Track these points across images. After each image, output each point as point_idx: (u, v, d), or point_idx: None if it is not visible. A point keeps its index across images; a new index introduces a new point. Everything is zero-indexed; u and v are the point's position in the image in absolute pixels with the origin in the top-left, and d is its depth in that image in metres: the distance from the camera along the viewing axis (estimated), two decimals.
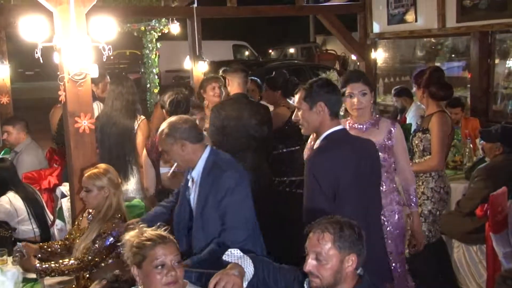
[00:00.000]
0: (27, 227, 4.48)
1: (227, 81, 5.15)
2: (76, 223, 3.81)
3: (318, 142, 3.17)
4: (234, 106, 4.98)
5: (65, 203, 4.77)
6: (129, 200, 4.56)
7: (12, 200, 4.46)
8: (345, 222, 2.48)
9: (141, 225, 2.66)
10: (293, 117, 3.31)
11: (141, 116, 4.92)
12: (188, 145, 3.22)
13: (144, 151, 4.45)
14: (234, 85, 5.07)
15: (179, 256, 2.53)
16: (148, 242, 2.50)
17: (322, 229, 2.44)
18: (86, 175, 3.62)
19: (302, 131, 3.25)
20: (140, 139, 4.81)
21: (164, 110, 4.51)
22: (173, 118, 3.34)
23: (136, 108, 4.90)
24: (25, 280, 3.32)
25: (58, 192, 5.06)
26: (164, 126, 3.29)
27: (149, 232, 2.56)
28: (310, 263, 2.44)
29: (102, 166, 3.71)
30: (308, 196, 3.07)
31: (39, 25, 3.51)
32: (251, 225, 3.19)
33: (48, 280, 3.67)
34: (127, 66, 19.65)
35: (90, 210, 3.72)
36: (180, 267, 2.51)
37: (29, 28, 3.51)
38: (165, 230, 2.62)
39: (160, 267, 2.46)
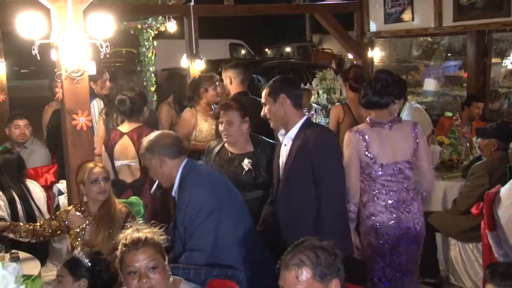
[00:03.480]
0: None
1: (227, 79, 5.05)
2: (57, 218, 3.72)
3: (292, 132, 3.39)
4: None
5: (62, 201, 4.77)
6: None
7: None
8: (318, 246, 2.27)
9: (139, 221, 2.65)
10: (261, 114, 3.56)
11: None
12: (166, 161, 3.18)
13: (103, 146, 4.56)
14: (235, 82, 5.01)
15: (155, 261, 2.46)
16: (124, 248, 2.48)
17: (298, 264, 2.22)
18: (100, 165, 3.71)
19: (271, 125, 3.53)
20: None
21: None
22: (155, 133, 3.33)
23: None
24: (24, 276, 3.28)
25: (55, 190, 5.06)
26: (145, 141, 3.30)
27: (132, 235, 2.51)
28: None
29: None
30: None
31: (36, 22, 3.51)
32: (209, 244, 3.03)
33: (47, 277, 3.66)
34: (123, 64, 19.59)
35: (82, 208, 3.68)
36: (156, 272, 2.44)
37: (26, 25, 3.51)
38: (160, 228, 2.60)
39: (132, 273, 2.43)
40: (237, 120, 3.88)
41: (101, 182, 3.62)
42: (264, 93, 3.49)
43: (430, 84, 9.30)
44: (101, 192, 3.62)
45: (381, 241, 3.68)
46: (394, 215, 3.66)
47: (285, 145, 3.43)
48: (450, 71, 9.49)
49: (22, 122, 5.48)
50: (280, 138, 3.47)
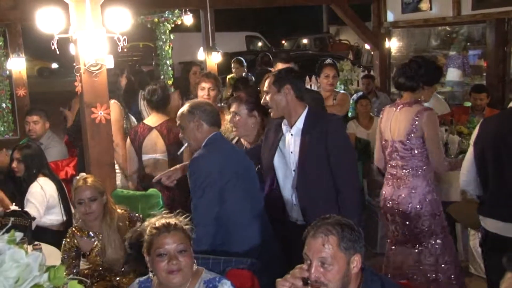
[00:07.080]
0: (54, 216, 4.41)
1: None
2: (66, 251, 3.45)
3: (300, 122, 3.43)
4: None
5: None
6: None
7: (43, 185, 4.36)
8: (343, 222, 2.37)
9: (163, 212, 2.69)
10: (262, 101, 3.59)
11: (112, 99, 4.89)
12: (203, 126, 3.29)
13: (128, 140, 4.56)
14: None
15: (184, 244, 2.52)
16: (154, 231, 2.53)
17: (325, 232, 2.32)
18: (88, 184, 3.43)
19: (271, 114, 3.52)
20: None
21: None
22: (197, 100, 3.54)
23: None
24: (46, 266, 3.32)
25: (75, 183, 5.11)
26: (187, 104, 3.41)
27: (161, 220, 2.58)
28: (317, 270, 2.30)
29: (86, 174, 3.62)
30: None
31: (55, 17, 3.56)
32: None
33: None
34: (140, 58, 19.71)
35: (84, 231, 3.46)
36: (185, 255, 2.51)
37: (45, 20, 3.56)
38: (185, 217, 2.64)
39: (162, 255, 2.49)
40: (243, 112, 3.95)
41: (87, 204, 3.38)
42: (268, 81, 3.51)
43: (451, 74, 9.20)
44: (87, 213, 3.39)
45: (380, 204, 4.10)
46: (389, 187, 4.00)
47: (292, 134, 3.47)
48: (470, 60, 9.38)
49: (31, 118, 5.37)
50: (284, 128, 3.50)
